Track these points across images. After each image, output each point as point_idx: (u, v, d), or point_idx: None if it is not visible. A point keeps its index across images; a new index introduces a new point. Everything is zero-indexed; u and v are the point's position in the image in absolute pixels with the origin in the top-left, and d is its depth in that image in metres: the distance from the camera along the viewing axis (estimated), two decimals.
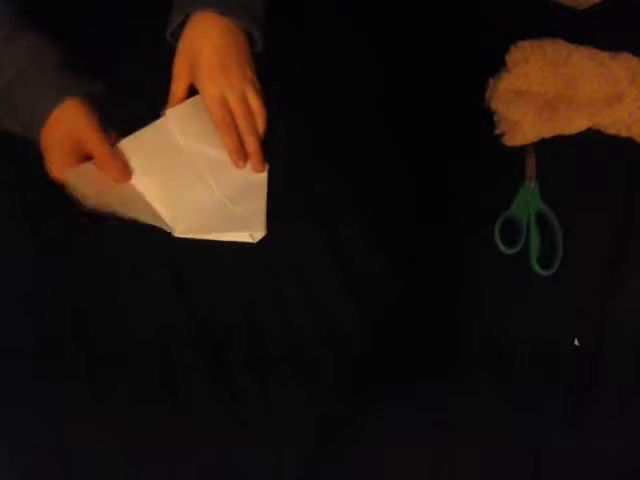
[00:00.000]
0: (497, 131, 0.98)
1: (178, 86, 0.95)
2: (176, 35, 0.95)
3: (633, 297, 0.95)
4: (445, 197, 0.98)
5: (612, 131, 0.99)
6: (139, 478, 0.89)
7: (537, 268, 0.95)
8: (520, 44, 0.98)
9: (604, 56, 0.98)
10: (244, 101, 0.94)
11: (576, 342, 0.94)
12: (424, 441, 0.91)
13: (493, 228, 0.96)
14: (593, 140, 0.99)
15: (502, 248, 0.96)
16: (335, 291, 0.93)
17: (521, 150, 0.99)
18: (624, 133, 0.98)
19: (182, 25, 0.95)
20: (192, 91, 0.96)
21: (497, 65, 0.99)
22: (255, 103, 0.95)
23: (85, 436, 0.89)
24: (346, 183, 0.97)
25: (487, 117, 0.99)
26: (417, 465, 0.90)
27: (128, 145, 0.94)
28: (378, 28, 1.03)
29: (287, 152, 0.98)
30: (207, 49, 0.93)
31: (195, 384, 0.90)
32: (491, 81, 0.99)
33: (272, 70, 0.98)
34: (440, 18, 1.04)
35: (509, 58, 0.98)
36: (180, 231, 0.93)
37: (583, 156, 0.99)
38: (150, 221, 0.93)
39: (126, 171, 0.93)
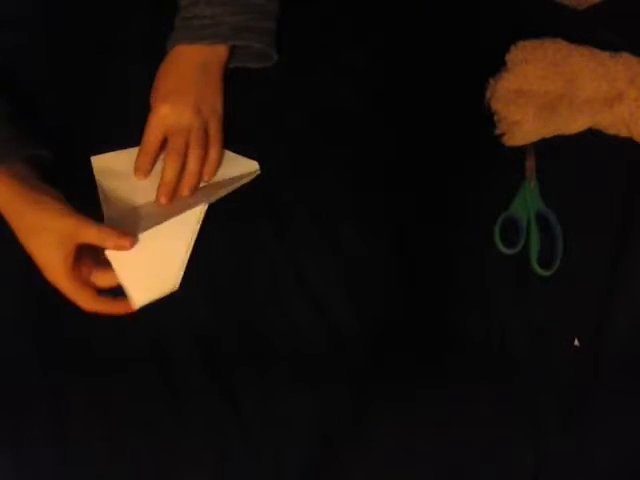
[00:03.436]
0: (497, 131, 0.98)
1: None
2: None
3: (633, 297, 0.95)
4: (445, 197, 0.98)
5: (612, 131, 0.99)
6: (139, 478, 0.89)
7: (537, 268, 0.95)
8: (520, 44, 0.98)
9: (604, 56, 0.98)
10: (202, 130, 0.93)
11: (576, 342, 0.94)
12: (424, 441, 0.91)
13: (493, 228, 0.96)
14: (593, 140, 0.99)
15: (502, 248, 0.96)
16: (335, 291, 0.93)
17: (521, 150, 0.99)
18: (624, 133, 0.98)
19: None
20: None
21: (497, 65, 0.99)
22: (215, 137, 0.94)
23: (85, 437, 0.89)
24: (346, 183, 0.97)
25: (487, 117, 0.99)
26: (417, 465, 0.90)
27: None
28: (378, 28, 1.03)
29: (287, 151, 0.98)
30: (171, 78, 0.93)
31: (194, 384, 0.91)
32: (491, 81, 0.99)
33: (273, 70, 0.98)
34: (440, 18, 1.04)
35: (509, 58, 0.98)
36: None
37: (583, 156, 0.99)
38: None
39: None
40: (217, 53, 0.95)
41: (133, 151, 0.96)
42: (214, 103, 0.95)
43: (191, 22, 0.94)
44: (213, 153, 0.94)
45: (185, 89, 0.93)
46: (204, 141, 0.93)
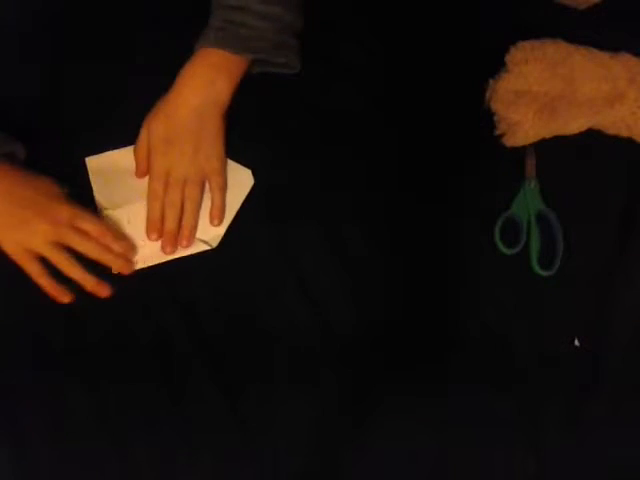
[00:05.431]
0: (497, 131, 0.98)
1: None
2: None
3: (633, 297, 0.95)
4: (445, 197, 0.98)
5: (612, 131, 0.99)
6: (138, 478, 0.89)
7: (537, 268, 0.95)
8: (520, 44, 0.98)
9: (604, 56, 0.98)
10: (197, 181, 0.94)
11: (576, 342, 0.94)
12: (424, 441, 0.91)
13: (493, 228, 0.96)
14: (593, 140, 0.99)
15: (502, 248, 0.96)
16: (335, 291, 0.93)
17: (521, 150, 0.99)
18: (624, 133, 0.99)
19: None
20: None
21: (497, 66, 0.99)
22: (216, 182, 0.95)
23: (84, 437, 0.89)
24: (346, 183, 0.97)
25: (487, 118, 0.99)
26: (417, 465, 0.90)
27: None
28: (378, 28, 1.03)
29: (287, 151, 0.98)
30: (169, 124, 0.94)
31: (194, 384, 0.91)
32: (491, 82, 0.99)
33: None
34: (440, 18, 1.04)
35: (509, 59, 0.98)
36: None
37: (583, 156, 0.99)
38: None
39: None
40: (239, 66, 0.95)
41: (126, 150, 0.97)
42: (213, 146, 0.95)
43: (239, 31, 0.94)
44: (217, 199, 0.95)
45: (181, 138, 0.94)
46: (199, 193, 0.95)
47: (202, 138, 0.94)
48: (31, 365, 0.91)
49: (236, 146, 0.97)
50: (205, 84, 0.94)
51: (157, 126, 0.95)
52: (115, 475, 0.89)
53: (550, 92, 0.98)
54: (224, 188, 0.96)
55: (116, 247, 0.92)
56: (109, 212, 0.95)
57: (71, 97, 1.00)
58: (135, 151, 0.96)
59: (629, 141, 0.99)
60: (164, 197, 0.94)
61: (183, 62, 0.95)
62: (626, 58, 0.99)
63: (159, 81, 0.97)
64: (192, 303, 0.93)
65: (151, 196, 0.95)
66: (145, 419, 0.90)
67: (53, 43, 1.01)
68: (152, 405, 0.90)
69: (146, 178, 0.96)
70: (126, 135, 0.97)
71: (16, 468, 0.89)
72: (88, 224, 0.91)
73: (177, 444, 0.89)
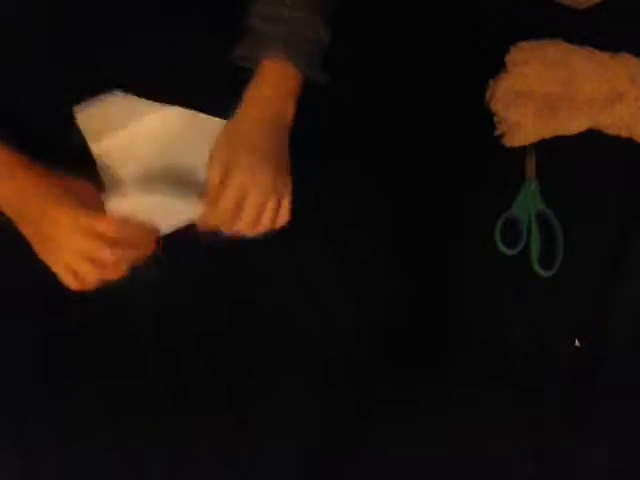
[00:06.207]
0: (497, 132, 0.98)
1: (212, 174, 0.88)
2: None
3: (633, 297, 0.95)
4: (446, 198, 0.98)
5: (612, 131, 0.99)
6: (142, 478, 0.90)
7: (537, 268, 0.95)
8: (520, 45, 0.98)
9: (604, 56, 0.98)
10: (274, 207, 0.88)
11: (576, 342, 0.94)
12: (424, 441, 0.91)
13: (494, 228, 0.96)
14: (593, 140, 0.99)
15: (503, 248, 0.96)
16: (337, 292, 0.93)
17: (521, 150, 0.99)
18: (624, 133, 0.98)
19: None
20: None
21: (497, 66, 0.99)
22: (284, 210, 0.89)
23: (88, 436, 0.89)
24: (347, 185, 0.97)
25: (487, 118, 0.99)
26: (417, 465, 0.91)
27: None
28: (378, 29, 1.03)
29: (290, 155, 0.98)
30: (247, 151, 0.88)
31: (196, 384, 0.91)
32: (491, 82, 0.99)
33: None
34: (440, 19, 1.04)
35: (509, 59, 0.98)
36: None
37: (583, 156, 0.99)
38: None
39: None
40: (299, 82, 0.92)
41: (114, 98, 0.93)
42: (287, 180, 0.89)
43: (309, 47, 0.91)
44: (284, 203, 0.89)
45: (265, 164, 0.88)
46: (275, 216, 0.89)
47: (281, 168, 0.89)
48: (35, 365, 0.91)
49: None
50: (271, 103, 0.90)
51: (232, 150, 0.89)
52: (118, 475, 0.89)
53: (550, 92, 0.98)
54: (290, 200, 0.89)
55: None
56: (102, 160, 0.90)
57: (70, 97, 1.00)
58: (209, 180, 0.88)
59: (629, 141, 0.99)
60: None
61: (183, 63, 0.95)
62: (626, 58, 0.99)
63: (159, 81, 0.97)
64: (193, 304, 0.93)
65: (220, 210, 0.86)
66: (146, 420, 0.90)
67: (51, 43, 1.01)
68: (153, 406, 0.90)
69: (141, 118, 0.93)
70: None
71: (21, 467, 0.89)
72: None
73: (179, 444, 0.89)
